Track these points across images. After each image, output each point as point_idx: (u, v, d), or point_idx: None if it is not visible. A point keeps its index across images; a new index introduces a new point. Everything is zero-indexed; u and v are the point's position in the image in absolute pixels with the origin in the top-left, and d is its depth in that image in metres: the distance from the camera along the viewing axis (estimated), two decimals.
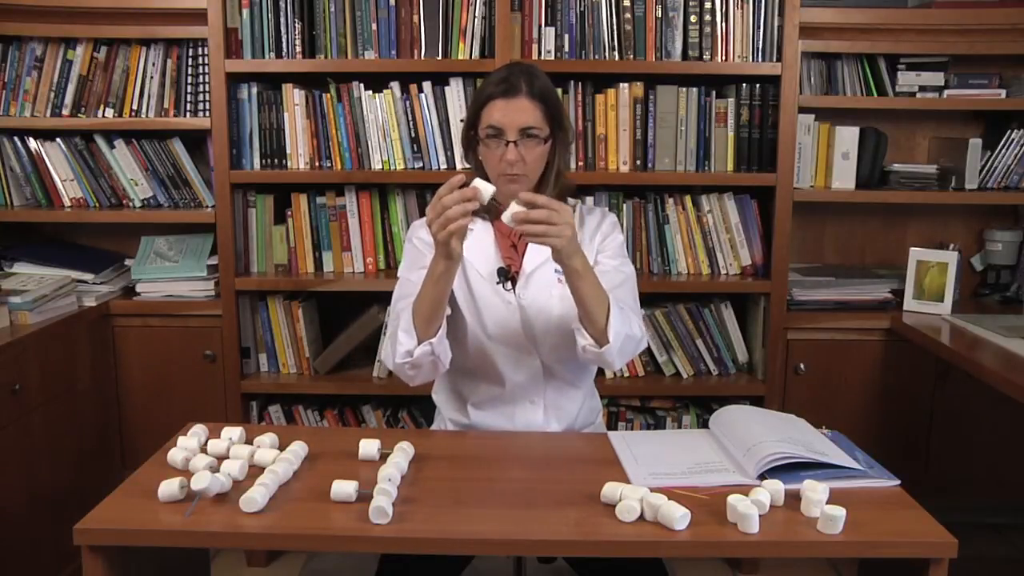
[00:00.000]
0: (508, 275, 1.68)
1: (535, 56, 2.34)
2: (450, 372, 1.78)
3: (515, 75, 1.63)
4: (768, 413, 1.66)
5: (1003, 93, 2.50)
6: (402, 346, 1.55)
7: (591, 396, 1.82)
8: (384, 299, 2.48)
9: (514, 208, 1.43)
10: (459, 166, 2.39)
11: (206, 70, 2.40)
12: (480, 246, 1.69)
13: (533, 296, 1.67)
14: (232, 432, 1.50)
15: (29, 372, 2.11)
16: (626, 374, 2.49)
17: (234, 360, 2.43)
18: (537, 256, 1.68)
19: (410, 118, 2.40)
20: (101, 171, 2.52)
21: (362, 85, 2.39)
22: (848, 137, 2.52)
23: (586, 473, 1.42)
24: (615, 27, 2.35)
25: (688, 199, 2.46)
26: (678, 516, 1.20)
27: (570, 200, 1.76)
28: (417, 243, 1.72)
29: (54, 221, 2.64)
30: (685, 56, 2.37)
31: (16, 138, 2.50)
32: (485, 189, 1.44)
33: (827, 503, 1.24)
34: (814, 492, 1.25)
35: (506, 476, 1.44)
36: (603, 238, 1.74)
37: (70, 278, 2.39)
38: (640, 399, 2.54)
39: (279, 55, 2.37)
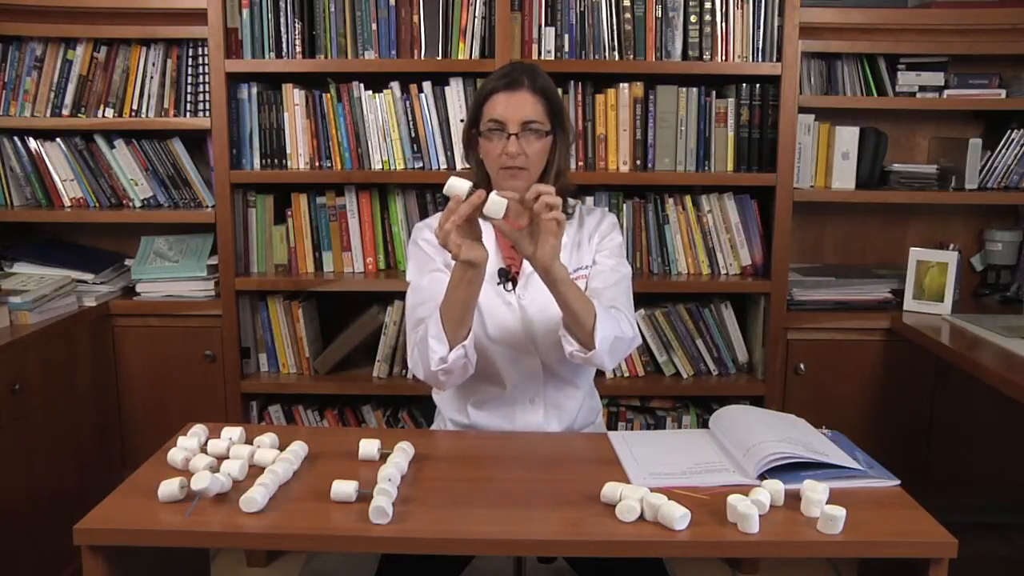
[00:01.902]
0: (509, 276, 1.69)
1: (535, 56, 2.34)
2: None
3: (517, 71, 1.64)
4: (768, 413, 1.66)
5: (1003, 93, 2.50)
6: (435, 353, 1.54)
7: (591, 396, 1.82)
8: (384, 299, 2.49)
9: (496, 198, 1.42)
10: (459, 166, 2.39)
11: (206, 70, 2.40)
12: None
13: (533, 297, 1.67)
14: (232, 432, 1.50)
15: (29, 372, 2.11)
16: (626, 374, 2.49)
17: (234, 360, 2.43)
18: None
19: (410, 118, 2.40)
20: (101, 171, 2.52)
21: (362, 85, 2.39)
22: (848, 137, 2.52)
23: (586, 473, 1.42)
24: (615, 27, 2.35)
25: (688, 199, 2.46)
26: (678, 516, 1.20)
27: (570, 201, 1.76)
28: (423, 244, 1.72)
29: (54, 221, 2.64)
30: (685, 56, 2.37)
31: (16, 138, 2.50)
32: (459, 185, 1.42)
33: (827, 503, 1.23)
34: (814, 492, 1.25)
35: (506, 476, 1.44)
36: (601, 238, 1.74)
37: (70, 278, 2.39)
38: (640, 399, 2.54)
39: (279, 55, 2.37)
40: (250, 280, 2.44)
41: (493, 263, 1.68)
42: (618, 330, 1.58)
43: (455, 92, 2.38)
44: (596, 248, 1.74)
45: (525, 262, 1.68)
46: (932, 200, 2.54)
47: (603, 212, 1.80)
